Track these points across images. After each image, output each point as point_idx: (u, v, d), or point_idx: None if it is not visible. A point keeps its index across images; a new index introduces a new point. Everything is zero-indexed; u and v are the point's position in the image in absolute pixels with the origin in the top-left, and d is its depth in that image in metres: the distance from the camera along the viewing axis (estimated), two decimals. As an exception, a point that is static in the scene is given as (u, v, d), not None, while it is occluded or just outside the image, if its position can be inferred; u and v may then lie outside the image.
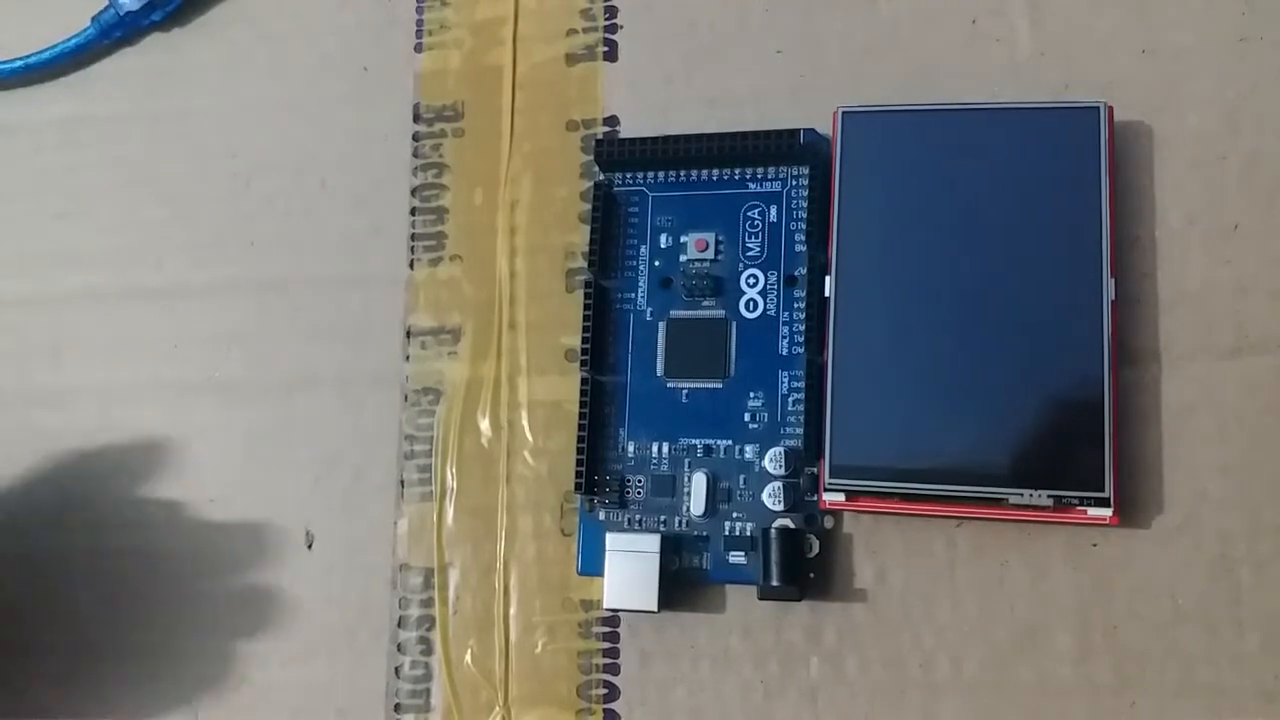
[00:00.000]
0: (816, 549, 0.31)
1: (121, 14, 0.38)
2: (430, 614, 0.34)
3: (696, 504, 0.31)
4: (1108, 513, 0.28)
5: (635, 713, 0.32)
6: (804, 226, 0.32)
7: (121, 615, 0.36)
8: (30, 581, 0.36)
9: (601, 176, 0.34)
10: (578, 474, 0.32)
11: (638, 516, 0.32)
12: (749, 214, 0.33)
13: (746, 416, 0.32)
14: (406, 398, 0.35)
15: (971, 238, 0.30)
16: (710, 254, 0.33)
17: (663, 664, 0.32)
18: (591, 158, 0.34)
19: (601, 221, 0.33)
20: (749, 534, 0.31)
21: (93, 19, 0.38)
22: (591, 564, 0.32)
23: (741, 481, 0.31)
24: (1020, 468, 0.29)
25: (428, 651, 0.34)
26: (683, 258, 0.33)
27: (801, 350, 0.31)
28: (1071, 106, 0.30)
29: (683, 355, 0.32)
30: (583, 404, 0.32)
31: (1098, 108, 0.30)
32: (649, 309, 0.33)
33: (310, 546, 0.35)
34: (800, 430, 0.31)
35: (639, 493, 0.32)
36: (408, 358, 0.35)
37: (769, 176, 0.33)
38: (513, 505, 0.34)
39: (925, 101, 0.32)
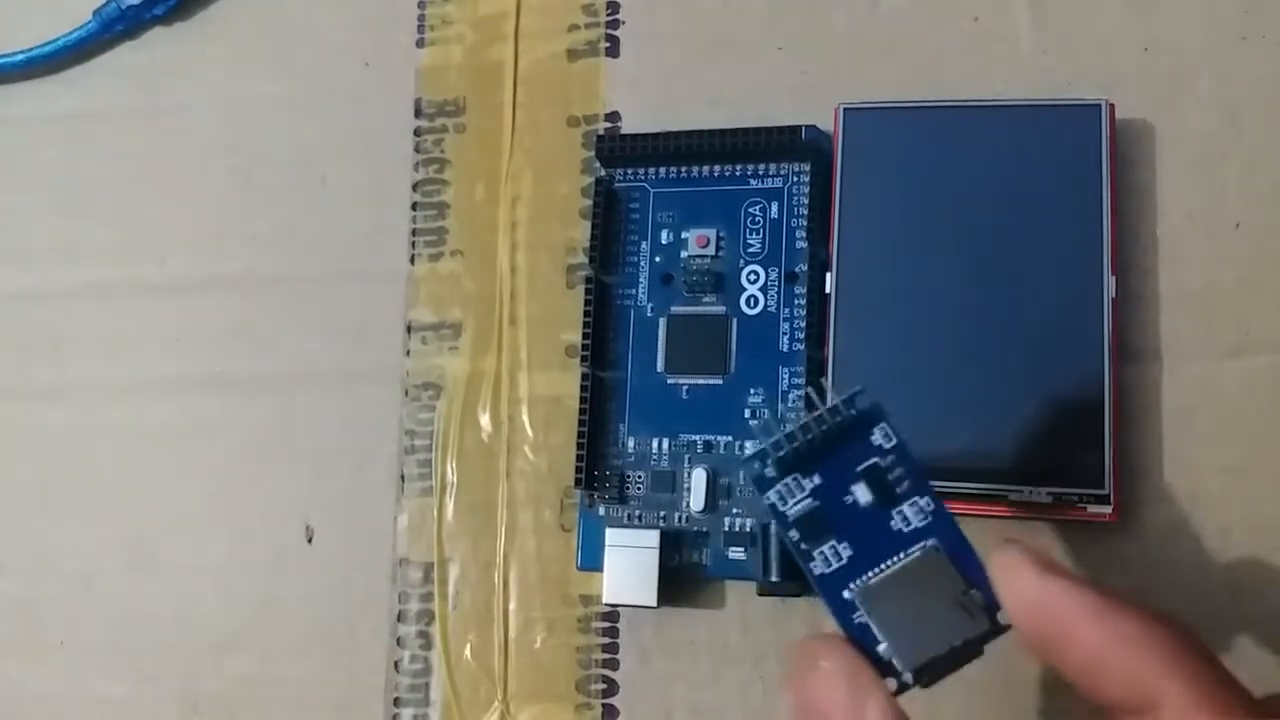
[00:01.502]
0: (816, 546, 0.31)
1: (123, 8, 0.38)
2: (430, 609, 0.34)
3: (696, 500, 0.31)
4: (1107, 510, 0.28)
5: (634, 708, 0.32)
6: (805, 223, 0.32)
7: (119, 609, 0.36)
8: (28, 575, 0.37)
9: (603, 172, 0.34)
10: (578, 469, 0.32)
11: (638, 512, 0.32)
12: (750, 210, 0.33)
13: (747, 412, 0.32)
14: (407, 393, 0.35)
15: (972, 235, 0.30)
16: (711, 250, 0.33)
17: (662, 659, 0.32)
18: (593, 153, 0.34)
19: (602, 217, 0.33)
20: (749, 530, 0.31)
21: (94, 13, 0.39)
22: (591, 559, 0.32)
23: (741, 477, 0.31)
24: (1020, 465, 0.29)
25: (427, 646, 0.34)
26: (683, 254, 0.33)
27: (802, 347, 0.31)
28: (1073, 104, 0.30)
29: (683, 351, 0.32)
30: (583, 399, 0.32)
31: (1099, 105, 0.30)
32: (650, 305, 0.33)
33: (310, 541, 0.35)
34: (800, 427, 0.31)
35: (639, 488, 0.32)
36: (408, 353, 0.35)
37: (770, 173, 0.33)
38: (513, 500, 0.34)
39: (927, 98, 0.32)
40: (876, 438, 0.23)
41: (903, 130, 0.31)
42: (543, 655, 0.33)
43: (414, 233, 0.36)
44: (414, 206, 0.36)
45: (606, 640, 0.32)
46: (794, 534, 0.23)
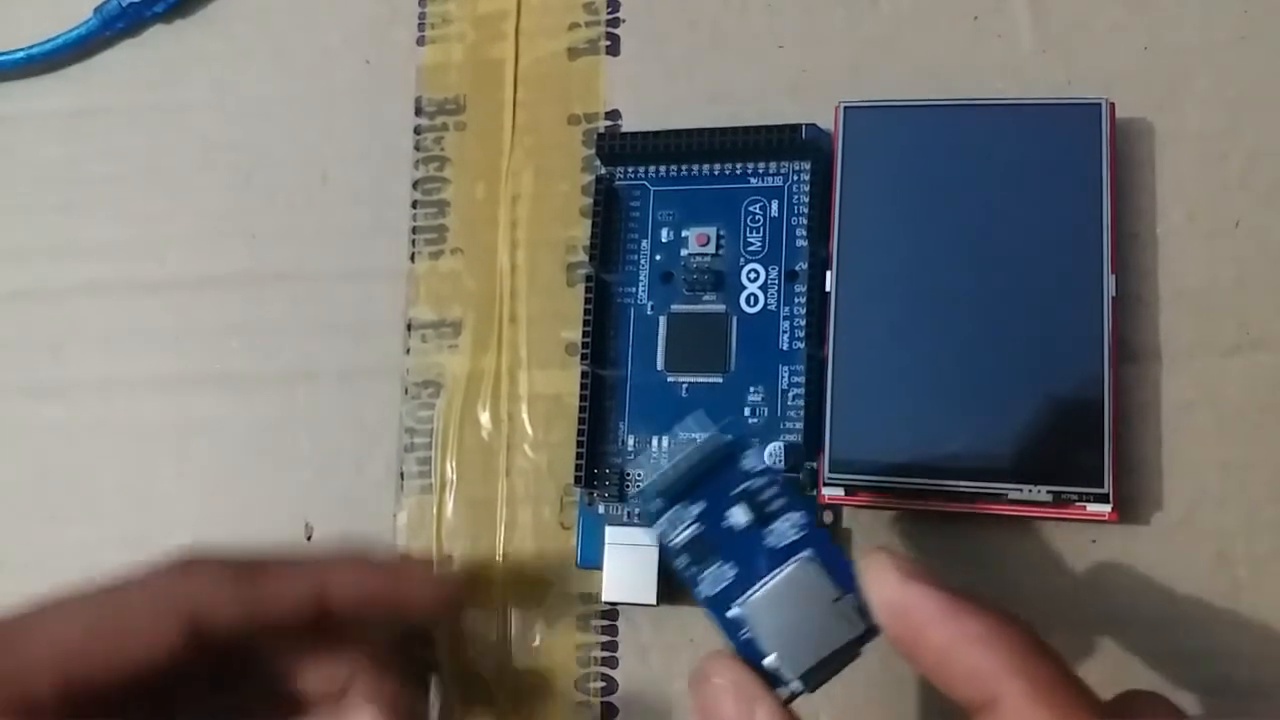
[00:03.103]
0: (815, 544, 0.31)
1: (123, 5, 0.38)
2: (429, 607, 0.34)
3: (696, 498, 0.31)
4: (1107, 509, 0.28)
5: (633, 706, 0.32)
6: (805, 221, 0.32)
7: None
8: (27, 574, 0.37)
9: (603, 170, 0.34)
10: (577, 467, 0.32)
11: (637, 510, 0.32)
12: (750, 209, 0.33)
13: (746, 411, 0.32)
14: (407, 390, 0.35)
15: (972, 234, 0.30)
16: (711, 248, 0.33)
17: (661, 657, 0.32)
18: (593, 152, 0.34)
19: (603, 215, 0.33)
20: (748, 528, 0.31)
21: (95, 10, 0.39)
22: (590, 557, 0.32)
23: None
24: (1020, 463, 0.29)
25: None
26: (684, 252, 0.33)
27: (802, 345, 0.31)
28: (1073, 103, 0.30)
29: (683, 349, 0.32)
30: (583, 397, 0.32)
31: (1099, 104, 0.30)
32: (650, 303, 0.33)
33: (310, 538, 0.35)
34: (800, 425, 0.31)
35: (639, 486, 0.32)
36: (408, 351, 0.35)
37: (770, 171, 0.33)
38: (512, 498, 0.34)
39: (927, 97, 0.32)
40: (746, 463, 0.25)
41: (903, 129, 0.31)
42: (542, 653, 0.33)
43: (414, 230, 0.36)
44: (414, 204, 0.36)
45: (606, 638, 0.32)
46: (682, 560, 0.25)
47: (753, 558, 0.25)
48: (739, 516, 0.25)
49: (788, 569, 0.24)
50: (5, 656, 0.25)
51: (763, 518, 0.25)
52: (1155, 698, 0.24)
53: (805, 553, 0.24)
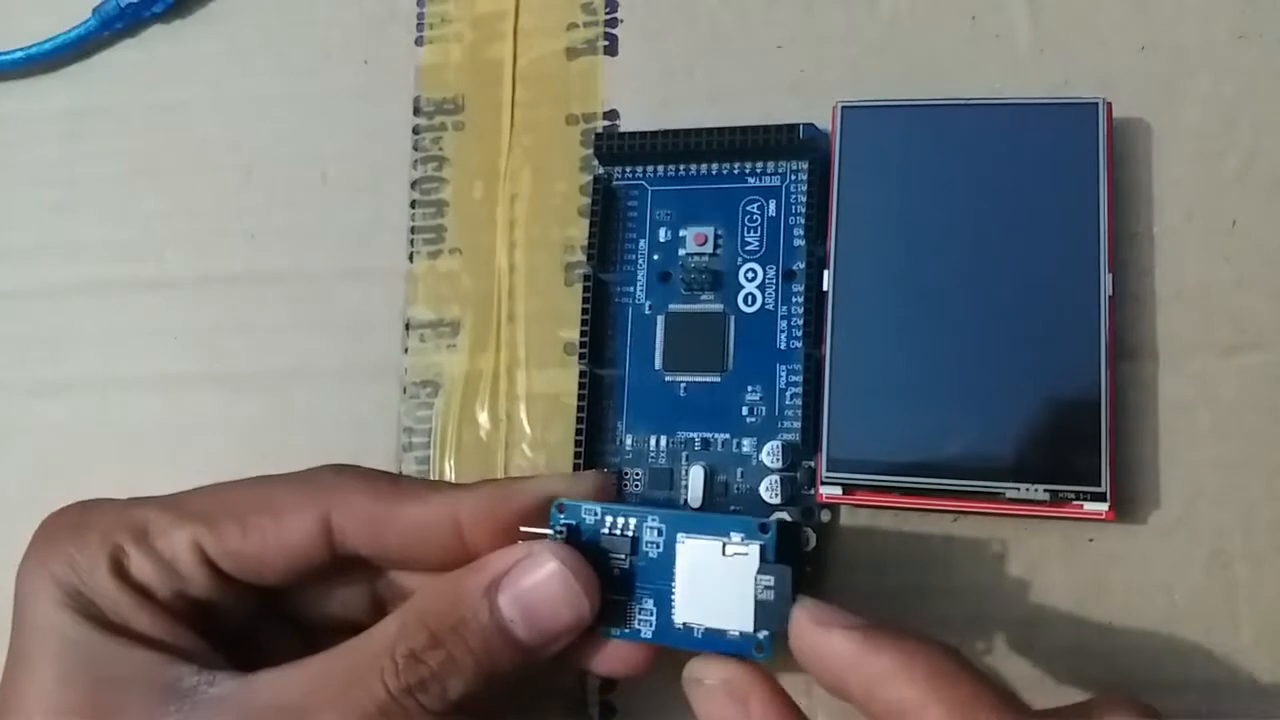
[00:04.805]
0: (813, 542, 0.31)
1: (122, 6, 0.38)
2: (428, 606, 0.34)
3: (694, 497, 0.31)
4: (1104, 508, 0.28)
5: (633, 706, 0.32)
6: (803, 221, 0.32)
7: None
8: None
9: (601, 170, 0.34)
10: (576, 466, 0.32)
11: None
12: (748, 208, 0.33)
13: (744, 410, 0.32)
14: (405, 390, 0.35)
15: (970, 233, 0.30)
16: (709, 248, 0.33)
17: (659, 655, 0.32)
18: (591, 151, 0.34)
19: (601, 215, 0.33)
20: (746, 527, 0.31)
21: (93, 10, 0.39)
22: (589, 556, 0.32)
23: (739, 475, 0.31)
24: (1017, 462, 0.29)
25: (425, 643, 0.34)
26: (682, 251, 0.33)
27: (799, 344, 0.31)
28: (1070, 102, 0.30)
29: (681, 349, 0.32)
30: (581, 397, 0.32)
31: (1096, 103, 0.30)
32: (648, 303, 0.33)
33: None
34: (798, 424, 0.31)
35: (637, 485, 0.32)
36: (406, 350, 0.35)
37: (768, 171, 0.33)
38: (511, 498, 0.34)
39: (925, 97, 0.32)
40: (578, 516, 0.27)
41: (900, 128, 0.31)
42: (540, 652, 0.33)
43: (413, 230, 0.36)
44: (413, 204, 0.36)
45: (604, 637, 0.32)
46: (614, 631, 0.26)
47: (654, 577, 0.26)
48: (616, 558, 0.26)
49: (677, 560, 0.26)
50: (159, 513, 0.28)
51: (630, 543, 0.26)
52: (1119, 702, 0.24)
53: (677, 538, 0.26)
